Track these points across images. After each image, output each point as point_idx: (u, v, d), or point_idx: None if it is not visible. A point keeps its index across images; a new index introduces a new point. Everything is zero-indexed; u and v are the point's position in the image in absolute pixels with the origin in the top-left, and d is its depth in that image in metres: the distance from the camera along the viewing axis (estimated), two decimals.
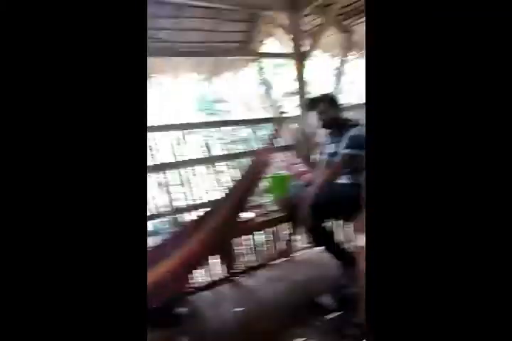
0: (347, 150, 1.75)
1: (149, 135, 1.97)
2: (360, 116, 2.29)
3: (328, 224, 2.39)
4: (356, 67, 2.96)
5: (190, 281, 1.99)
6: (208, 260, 1.99)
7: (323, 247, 2.06)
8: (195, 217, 1.91)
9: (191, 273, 1.70)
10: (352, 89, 7.59)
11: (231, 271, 2.17)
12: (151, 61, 2.29)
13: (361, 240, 1.41)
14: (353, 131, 1.78)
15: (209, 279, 2.12)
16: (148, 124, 2.03)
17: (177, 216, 2.06)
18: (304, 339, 1.47)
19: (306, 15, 2.72)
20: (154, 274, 1.32)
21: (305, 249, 2.55)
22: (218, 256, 2.14)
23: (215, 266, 2.15)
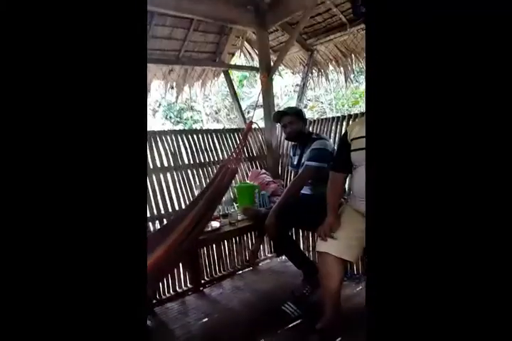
0: (309, 163, 1.83)
1: None
2: (320, 129, 2.41)
3: (291, 233, 2.46)
4: (317, 83, 3.10)
5: (156, 291, 1.96)
6: (174, 268, 1.98)
7: (286, 256, 2.12)
8: (163, 225, 1.90)
9: (157, 281, 1.68)
10: (313, 103, 7.90)
11: (197, 281, 2.16)
12: None
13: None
14: (315, 144, 1.86)
15: (176, 290, 2.09)
16: None
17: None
18: None
19: (272, 32, 2.85)
20: None
21: (269, 258, 2.59)
22: (184, 266, 2.13)
23: (181, 276, 2.13)
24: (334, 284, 1.46)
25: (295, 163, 2.04)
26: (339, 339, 1.49)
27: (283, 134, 2.21)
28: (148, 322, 1.76)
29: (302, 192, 1.96)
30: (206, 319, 1.79)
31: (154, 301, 1.95)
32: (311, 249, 2.41)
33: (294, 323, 1.66)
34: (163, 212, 2.12)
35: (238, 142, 2.57)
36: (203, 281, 2.20)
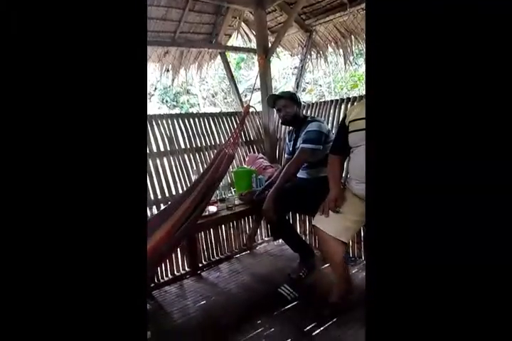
0: (304, 145, 1.81)
1: None
2: (318, 113, 2.38)
3: (288, 217, 2.48)
4: (316, 66, 3.04)
5: (154, 275, 1.99)
6: (172, 253, 1.99)
7: (283, 239, 2.14)
8: (160, 210, 1.90)
9: (155, 266, 1.69)
10: (311, 86, 7.79)
11: (195, 264, 2.18)
12: None
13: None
14: (310, 126, 1.84)
15: (173, 273, 2.12)
16: None
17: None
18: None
19: (269, 12, 2.77)
20: None
21: (266, 242, 2.62)
22: (182, 250, 2.15)
23: (179, 260, 2.15)
24: (337, 258, 1.51)
25: (291, 149, 2.02)
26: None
27: (279, 118, 2.18)
28: (147, 306, 1.79)
29: (299, 176, 1.96)
30: (204, 302, 1.82)
31: (152, 285, 1.98)
32: (307, 232, 2.43)
33: (290, 305, 1.69)
34: (160, 196, 2.12)
35: (235, 126, 2.55)
36: (200, 265, 2.23)
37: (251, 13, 2.79)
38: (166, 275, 2.09)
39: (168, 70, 2.98)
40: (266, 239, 2.65)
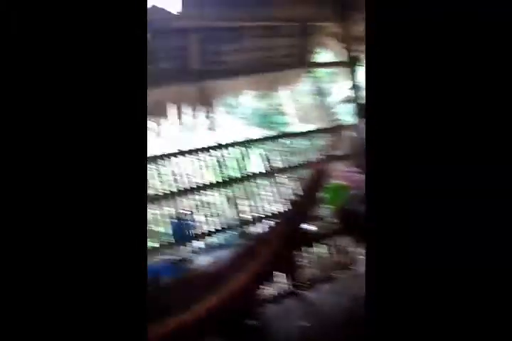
0: None
1: (216, 152, 2.19)
2: None
3: None
4: None
5: (258, 294, 2.04)
6: (274, 272, 2.03)
7: None
8: (262, 230, 1.97)
9: (261, 285, 1.74)
10: None
11: (294, 283, 2.17)
12: (215, 83, 2.50)
13: None
14: None
15: (274, 292, 2.14)
16: (214, 142, 2.16)
17: (244, 228, 2.16)
18: None
19: (355, 24, 2.71)
20: (228, 288, 1.40)
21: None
22: (282, 269, 2.17)
23: (280, 278, 2.17)
24: None
25: None
26: None
27: None
28: (254, 322, 1.82)
29: None
30: (302, 322, 1.79)
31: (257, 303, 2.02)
32: None
33: None
34: (262, 214, 2.22)
35: (328, 142, 2.53)
36: (300, 284, 2.20)
37: (337, 26, 2.78)
38: (267, 294, 2.12)
39: (260, 95, 3.14)
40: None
